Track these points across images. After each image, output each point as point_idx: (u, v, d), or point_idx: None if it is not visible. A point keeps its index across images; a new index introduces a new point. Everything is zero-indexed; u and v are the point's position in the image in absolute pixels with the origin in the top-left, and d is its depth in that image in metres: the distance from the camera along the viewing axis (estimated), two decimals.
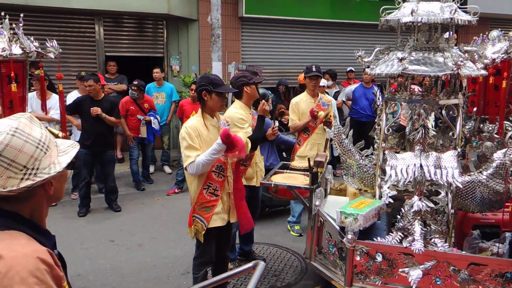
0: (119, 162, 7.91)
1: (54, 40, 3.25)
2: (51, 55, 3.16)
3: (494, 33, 3.38)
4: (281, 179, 3.84)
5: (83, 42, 7.92)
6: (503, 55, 2.85)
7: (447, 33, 3.18)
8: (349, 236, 2.94)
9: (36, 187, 1.27)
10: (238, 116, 3.74)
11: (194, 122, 3.15)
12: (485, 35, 3.48)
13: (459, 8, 3.07)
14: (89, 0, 7.30)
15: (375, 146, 3.66)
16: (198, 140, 3.08)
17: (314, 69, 4.67)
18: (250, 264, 1.99)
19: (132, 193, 6.71)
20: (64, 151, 1.36)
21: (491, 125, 3.43)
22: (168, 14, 7.97)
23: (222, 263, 3.54)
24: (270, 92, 7.97)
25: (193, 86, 6.29)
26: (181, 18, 8.46)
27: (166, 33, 8.60)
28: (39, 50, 3.10)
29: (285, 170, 4.14)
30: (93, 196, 6.16)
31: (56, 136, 1.51)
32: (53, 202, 1.42)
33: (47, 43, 3.19)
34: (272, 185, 3.74)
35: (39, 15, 7.41)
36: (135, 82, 6.76)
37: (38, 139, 1.29)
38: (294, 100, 4.86)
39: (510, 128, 2.97)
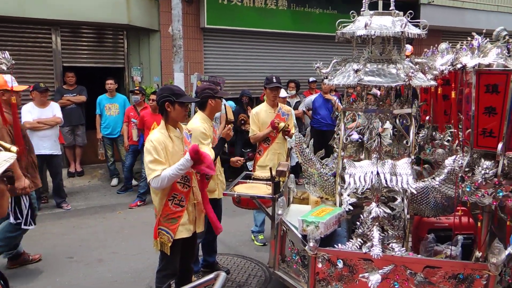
0: (79, 176, 7.68)
1: (7, 51, 3.15)
2: (3, 67, 3.07)
3: (443, 45, 3.56)
4: (243, 189, 3.86)
5: (39, 53, 7.66)
6: (450, 66, 3.01)
7: (406, 45, 3.33)
8: (311, 244, 2.98)
9: None
10: (201, 130, 3.74)
11: (159, 135, 3.11)
12: (435, 47, 3.67)
13: (410, 22, 3.22)
14: (45, 9, 7.08)
15: (334, 154, 3.76)
16: (163, 153, 3.06)
17: (274, 80, 4.74)
18: (211, 276, 2.00)
19: (93, 207, 6.51)
20: None
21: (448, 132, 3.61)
22: (128, 24, 7.87)
23: (186, 275, 3.50)
24: (234, 104, 8.04)
25: (153, 96, 6.28)
26: (142, 29, 8.38)
27: (126, 44, 8.47)
28: None
29: (247, 180, 4.16)
30: (50, 211, 5.95)
31: (8, 150, 1.46)
32: None
33: None
34: (235, 195, 3.76)
35: None
36: (136, 87, 7.42)
37: None
38: (254, 111, 4.91)
39: (460, 136, 3.13)
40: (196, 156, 2.97)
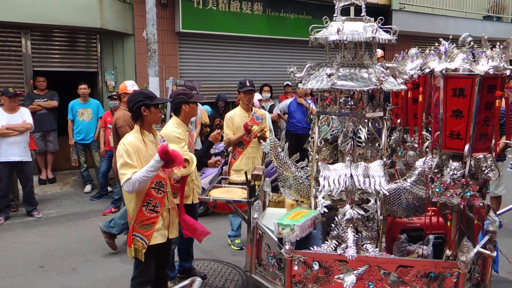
0: (50, 183, 7.50)
1: None
2: None
3: (413, 50, 3.67)
4: (219, 193, 3.85)
5: (8, 57, 7.45)
6: (419, 71, 3.10)
7: (377, 50, 3.41)
8: (287, 247, 3.00)
9: None
10: (175, 135, 3.71)
11: (132, 139, 3.09)
12: (405, 52, 3.77)
13: (381, 27, 3.30)
14: (14, 12, 6.90)
15: (309, 158, 3.80)
16: (136, 157, 3.03)
17: (248, 83, 4.76)
18: (186, 282, 1.99)
19: (65, 214, 6.36)
20: None
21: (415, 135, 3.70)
22: (101, 28, 7.75)
23: (161, 282, 3.47)
24: (209, 108, 8.02)
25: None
26: (116, 33, 8.27)
27: (100, 48, 8.34)
28: None
29: (223, 185, 4.16)
30: (20, 220, 5.80)
31: None
32: None
33: None
34: (211, 199, 3.75)
35: None
36: (114, 93, 7.16)
37: None
38: (228, 115, 4.91)
39: (428, 138, 3.22)
40: (166, 156, 2.95)
